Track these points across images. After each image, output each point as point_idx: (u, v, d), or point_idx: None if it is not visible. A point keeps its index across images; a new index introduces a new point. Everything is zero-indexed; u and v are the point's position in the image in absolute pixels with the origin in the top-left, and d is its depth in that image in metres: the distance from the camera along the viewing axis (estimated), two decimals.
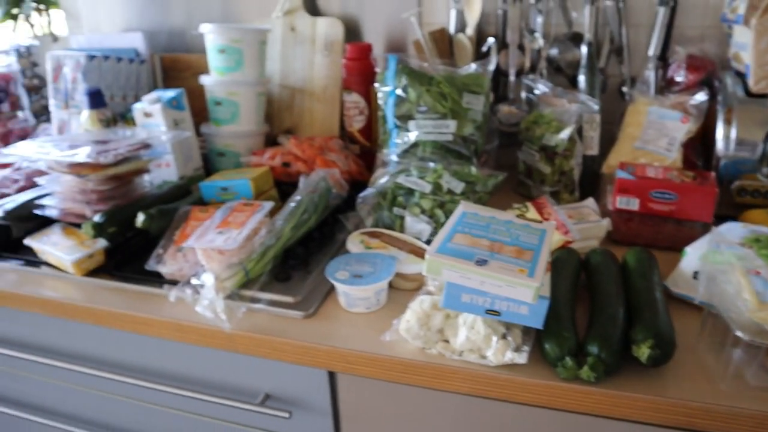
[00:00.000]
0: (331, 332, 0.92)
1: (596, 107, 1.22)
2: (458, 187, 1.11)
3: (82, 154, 1.07)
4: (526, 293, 0.78)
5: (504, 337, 0.84)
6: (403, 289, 1.00)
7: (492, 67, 1.22)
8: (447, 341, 0.87)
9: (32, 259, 1.16)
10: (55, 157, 1.09)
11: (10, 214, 1.16)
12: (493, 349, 0.83)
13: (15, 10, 1.87)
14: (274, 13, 1.49)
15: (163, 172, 1.30)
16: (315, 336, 0.91)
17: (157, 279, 1.05)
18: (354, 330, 0.92)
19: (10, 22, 1.90)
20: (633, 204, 1.11)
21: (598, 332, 0.82)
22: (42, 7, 1.91)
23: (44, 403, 1.28)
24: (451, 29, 1.39)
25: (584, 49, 1.28)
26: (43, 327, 1.16)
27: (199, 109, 1.41)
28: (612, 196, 1.13)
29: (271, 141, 1.47)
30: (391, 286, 0.97)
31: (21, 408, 1.29)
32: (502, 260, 0.80)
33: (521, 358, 0.81)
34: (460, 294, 0.81)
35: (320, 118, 1.48)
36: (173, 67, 1.63)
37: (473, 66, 1.22)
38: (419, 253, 1.01)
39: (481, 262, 0.79)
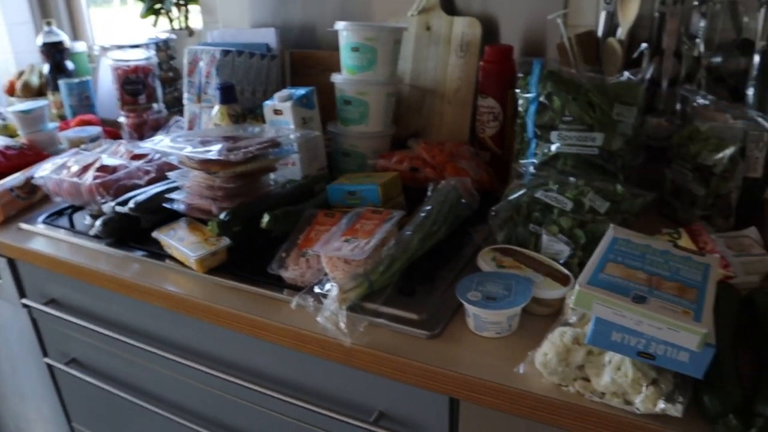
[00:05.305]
0: (456, 356, 0.85)
1: None
2: (602, 206, 1.01)
3: (213, 151, 1.06)
4: (691, 339, 0.68)
5: (655, 383, 0.74)
6: (536, 314, 0.91)
7: (648, 75, 1.11)
8: (587, 380, 0.78)
9: (157, 252, 1.17)
10: (186, 152, 1.09)
11: (141, 206, 1.17)
12: (642, 395, 0.73)
13: (157, 6, 1.93)
14: (409, 11, 1.44)
15: (288, 171, 1.28)
16: (439, 359, 0.85)
17: (277, 282, 1.02)
18: (482, 356, 0.85)
19: (151, 18, 1.97)
20: None
21: None
22: (182, 2, 1.97)
23: (153, 389, 1.31)
24: (600, 32, 1.28)
25: (756, 58, 1.14)
26: (163, 319, 1.17)
27: (327, 107, 1.38)
28: None
29: (397, 143, 1.42)
30: (523, 310, 0.89)
31: (131, 392, 1.33)
32: (662, 298, 0.71)
33: (676, 411, 0.71)
34: (609, 332, 0.72)
35: (450, 121, 1.42)
36: (303, 63, 1.62)
37: (626, 74, 1.11)
38: (557, 277, 0.92)
39: (639, 299, 0.70)
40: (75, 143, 1.63)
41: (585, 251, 0.97)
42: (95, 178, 1.26)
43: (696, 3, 1.20)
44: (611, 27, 1.28)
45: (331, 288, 0.90)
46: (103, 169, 1.29)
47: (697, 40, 1.21)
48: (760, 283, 0.98)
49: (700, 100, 1.16)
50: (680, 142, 1.16)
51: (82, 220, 1.35)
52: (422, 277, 0.99)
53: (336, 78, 1.35)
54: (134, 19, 2.01)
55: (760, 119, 1.08)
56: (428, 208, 1.03)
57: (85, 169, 1.31)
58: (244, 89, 1.47)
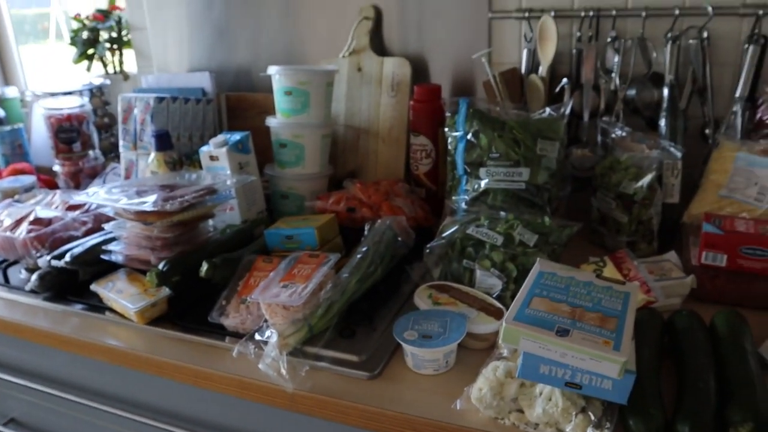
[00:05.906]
0: (397, 395, 0.87)
1: (679, 154, 1.15)
2: (531, 239, 1.05)
3: (149, 202, 1.06)
4: (612, 368, 0.72)
5: (584, 410, 0.77)
6: (472, 348, 0.94)
7: (567, 110, 1.17)
8: (522, 411, 0.81)
9: (97, 304, 1.16)
10: (122, 204, 1.09)
11: (77, 259, 1.16)
12: (573, 424, 0.76)
13: (90, 51, 1.92)
14: (341, 53, 1.48)
15: (227, 216, 1.29)
16: (380, 399, 0.87)
17: (219, 330, 1.03)
18: (421, 394, 0.87)
19: (84, 63, 1.96)
20: (720, 260, 1.03)
21: (689, 410, 0.75)
22: (115, 47, 1.96)
23: None
24: (523, 69, 1.35)
25: (666, 91, 1.21)
26: (105, 372, 1.16)
27: (264, 149, 1.40)
28: (696, 249, 1.06)
29: (335, 182, 1.45)
30: (460, 345, 0.92)
31: None
32: (584, 330, 0.75)
33: None
34: (538, 365, 0.76)
35: (385, 160, 1.45)
36: (239, 106, 1.64)
37: (547, 110, 1.17)
38: (490, 311, 0.96)
39: (563, 333, 0.74)
40: (8, 194, 1.60)
41: (517, 284, 1.01)
42: (29, 231, 1.24)
43: (609, 39, 1.27)
44: (534, 64, 1.34)
45: (271, 334, 0.91)
46: (38, 221, 1.28)
47: (613, 75, 1.28)
48: (681, 304, 1.03)
49: (618, 132, 1.23)
50: (602, 172, 1.22)
51: (18, 274, 1.32)
52: (361, 318, 1.01)
53: (271, 121, 1.37)
54: (69, 57, 1.98)
55: (671, 149, 1.15)
56: (364, 249, 1.06)
57: (18, 222, 1.29)
58: (180, 135, 1.48)
